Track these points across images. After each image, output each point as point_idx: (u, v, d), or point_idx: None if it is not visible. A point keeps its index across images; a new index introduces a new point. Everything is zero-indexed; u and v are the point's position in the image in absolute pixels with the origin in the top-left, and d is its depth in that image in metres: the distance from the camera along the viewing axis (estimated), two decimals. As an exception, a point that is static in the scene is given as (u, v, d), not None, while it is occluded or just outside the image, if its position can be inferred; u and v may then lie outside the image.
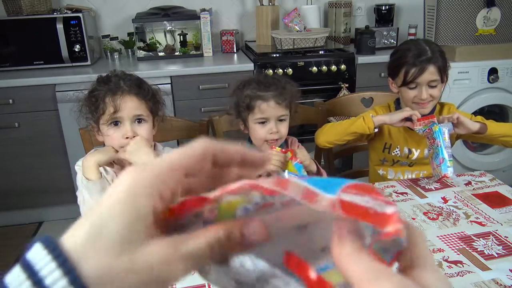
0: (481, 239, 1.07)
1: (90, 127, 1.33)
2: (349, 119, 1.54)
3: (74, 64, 2.45)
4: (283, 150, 1.31)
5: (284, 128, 1.41)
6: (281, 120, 1.40)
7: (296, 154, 1.31)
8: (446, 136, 1.31)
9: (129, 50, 2.76)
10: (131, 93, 1.23)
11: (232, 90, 1.47)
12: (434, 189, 1.33)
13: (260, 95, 1.37)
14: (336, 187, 0.24)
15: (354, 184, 0.24)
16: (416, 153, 1.54)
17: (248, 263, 0.26)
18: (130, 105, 1.22)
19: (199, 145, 0.27)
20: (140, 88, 1.26)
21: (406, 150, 1.55)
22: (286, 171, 1.27)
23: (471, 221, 1.15)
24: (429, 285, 0.24)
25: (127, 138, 1.22)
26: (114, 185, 0.25)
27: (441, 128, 1.32)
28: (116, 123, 1.23)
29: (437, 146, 1.31)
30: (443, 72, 1.45)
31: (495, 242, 1.05)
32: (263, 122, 1.39)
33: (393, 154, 1.57)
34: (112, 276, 0.22)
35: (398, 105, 1.58)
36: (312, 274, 0.24)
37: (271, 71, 2.42)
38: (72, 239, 0.23)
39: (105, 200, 0.24)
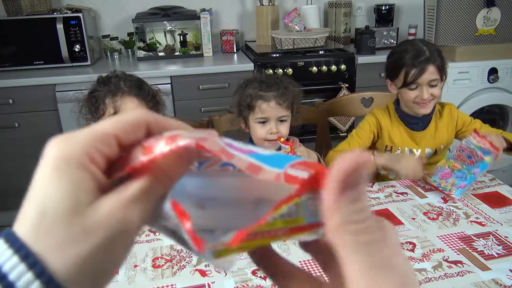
0: (481, 239, 1.07)
1: (90, 127, 1.33)
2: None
3: (74, 64, 2.45)
4: (286, 141, 1.35)
5: (284, 128, 1.41)
6: (281, 121, 1.40)
7: (296, 153, 1.32)
8: (484, 171, 1.28)
9: (129, 50, 2.76)
10: (131, 94, 1.23)
11: (235, 88, 1.47)
12: (434, 189, 1.33)
13: (261, 95, 1.37)
14: (283, 163, 0.24)
15: (303, 161, 0.24)
16: (417, 154, 1.54)
17: (166, 205, 0.26)
18: (130, 106, 1.22)
19: (133, 114, 0.27)
20: (140, 89, 1.26)
21: (407, 151, 1.55)
22: None
23: (471, 221, 1.15)
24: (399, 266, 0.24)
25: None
26: (42, 161, 0.24)
27: (488, 163, 1.25)
28: (116, 123, 1.23)
29: (471, 172, 1.26)
30: (442, 71, 1.45)
31: (495, 242, 1.05)
32: (263, 122, 1.40)
33: (393, 154, 1.57)
34: (69, 249, 0.22)
35: (397, 105, 1.58)
36: (187, 225, 0.23)
37: (271, 71, 2.42)
38: (23, 226, 0.23)
39: (38, 179, 0.24)
